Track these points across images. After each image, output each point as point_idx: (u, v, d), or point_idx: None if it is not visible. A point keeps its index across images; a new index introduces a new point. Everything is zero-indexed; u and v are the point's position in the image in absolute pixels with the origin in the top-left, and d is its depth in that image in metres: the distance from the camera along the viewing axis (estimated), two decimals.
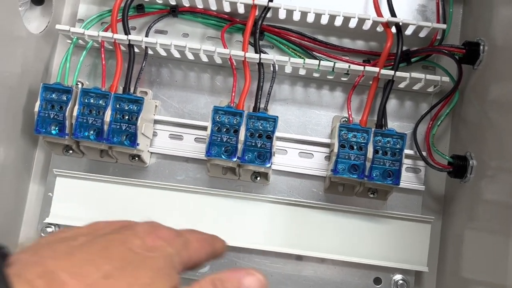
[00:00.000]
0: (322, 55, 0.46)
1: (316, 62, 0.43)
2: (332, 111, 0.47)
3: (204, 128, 0.46)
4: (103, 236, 0.23)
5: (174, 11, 0.46)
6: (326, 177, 0.45)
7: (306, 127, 0.47)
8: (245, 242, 0.45)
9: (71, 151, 0.46)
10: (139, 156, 0.45)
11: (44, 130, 0.42)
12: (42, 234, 0.45)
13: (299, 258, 0.45)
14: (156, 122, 0.46)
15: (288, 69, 0.45)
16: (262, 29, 0.45)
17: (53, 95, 0.42)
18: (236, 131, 0.42)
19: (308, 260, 0.45)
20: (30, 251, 0.21)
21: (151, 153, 0.47)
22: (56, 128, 0.42)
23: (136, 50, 0.45)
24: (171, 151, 0.46)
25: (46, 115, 0.42)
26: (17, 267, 0.19)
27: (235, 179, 0.46)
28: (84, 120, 0.42)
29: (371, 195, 0.45)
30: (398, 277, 0.44)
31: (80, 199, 0.46)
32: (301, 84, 0.48)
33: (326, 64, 0.43)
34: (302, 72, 0.46)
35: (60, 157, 0.47)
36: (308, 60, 0.43)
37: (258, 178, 0.46)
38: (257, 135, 0.42)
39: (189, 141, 0.46)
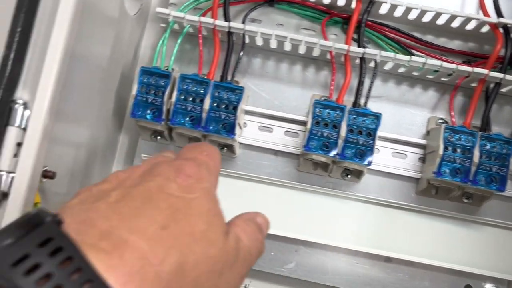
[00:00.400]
0: (420, 53, 0.45)
1: (422, 60, 0.41)
2: (427, 111, 0.46)
3: (294, 122, 0.45)
4: (135, 187, 0.22)
5: (272, 1, 0.45)
6: (421, 179, 0.44)
7: (400, 126, 0.46)
8: (333, 240, 0.44)
9: (159, 137, 0.45)
10: (229, 146, 0.44)
11: (139, 114, 0.41)
12: None
13: (388, 260, 0.44)
14: (246, 112, 0.45)
15: (388, 66, 0.44)
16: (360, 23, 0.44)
17: (151, 79, 0.42)
18: (335, 126, 0.41)
19: (397, 262, 0.44)
20: (70, 216, 0.19)
21: (240, 143, 0.46)
22: (151, 113, 0.42)
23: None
24: (260, 143, 0.45)
25: (144, 99, 0.41)
26: (72, 233, 0.18)
27: (325, 175, 0.45)
28: (182, 107, 0.41)
29: (466, 200, 0.44)
30: (489, 286, 0.43)
31: None
32: (394, 82, 0.47)
33: (432, 63, 0.41)
34: (401, 69, 0.44)
35: (146, 142, 0.46)
36: (414, 58, 0.41)
37: (349, 176, 0.45)
38: (358, 131, 0.41)
39: (279, 134, 0.45)
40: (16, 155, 0.28)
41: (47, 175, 0.31)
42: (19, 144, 0.28)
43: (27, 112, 0.28)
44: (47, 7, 0.29)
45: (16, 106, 0.28)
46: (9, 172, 0.27)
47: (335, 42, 0.44)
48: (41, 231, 0.17)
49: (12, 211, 0.27)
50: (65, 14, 0.28)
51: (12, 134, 0.27)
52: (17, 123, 0.28)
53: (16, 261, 0.16)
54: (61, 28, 0.28)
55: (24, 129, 0.28)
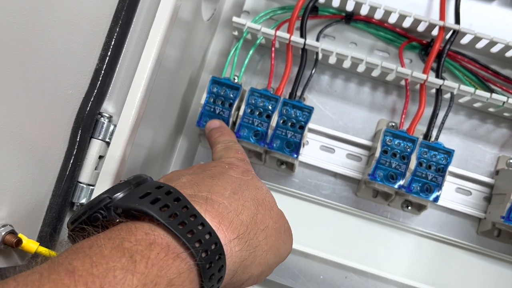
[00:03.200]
0: (497, 88, 0.43)
1: (503, 98, 0.40)
2: (498, 148, 0.44)
3: (358, 145, 0.44)
4: (202, 172, 0.28)
5: (350, 19, 0.44)
6: (484, 219, 0.42)
7: (467, 162, 0.44)
8: (385, 272, 0.43)
9: None
10: (289, 164, 0.43)
11: (205, 124, 0.41)
12: None
13: None
14: (308, 130, 0.44)
15: (465, 99, 0.42)
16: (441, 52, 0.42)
17: (220, 90, 0.41)
18: (404, 158, 0.39)
19: None
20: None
21: (299, 161, 0.45)
22: None
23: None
24: (320, 163, 0.44)
25: (211, 109, 0.41)
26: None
27: (384, 204, 0.44)
28: (249, 121, 0.40)
29: None
30: None
31: None
32: (465, 114, 0.45)
33: None
34: (477, 104, 0.43)
35: (206, 149, 0.46)
36: (494, 96, 0.40)
37: (409, 208, 0.43)
38: (427, 165, 0.39)
39: (341, 156, 0.44)
40: (96, 168, 0.27)
41: None
42: (100, 157, 0.28)
43: (111, 126, 0.28)
44: (140, 20, 0.28)
45: (102, 119, 0.27)
46: (88, 185, 0.27)
47: (410, 67, 0.43)
48: (146, 184, 0.23)
49: None
50: (160, 26, 0.28)
51: (95, 147, 0.27)
52: (101, 136, 0.27)
53: (142, 195, 0.22)
54: (154, 41, 0.28)
55: (108, 143, 0.27)
